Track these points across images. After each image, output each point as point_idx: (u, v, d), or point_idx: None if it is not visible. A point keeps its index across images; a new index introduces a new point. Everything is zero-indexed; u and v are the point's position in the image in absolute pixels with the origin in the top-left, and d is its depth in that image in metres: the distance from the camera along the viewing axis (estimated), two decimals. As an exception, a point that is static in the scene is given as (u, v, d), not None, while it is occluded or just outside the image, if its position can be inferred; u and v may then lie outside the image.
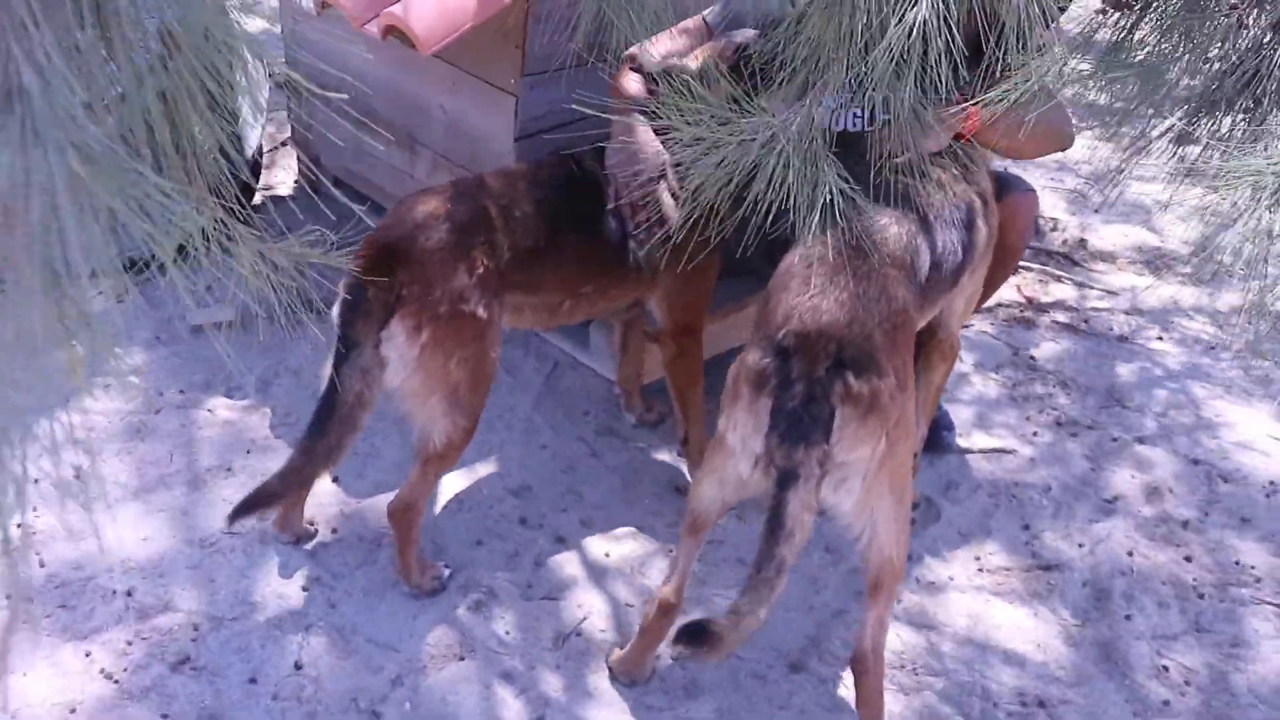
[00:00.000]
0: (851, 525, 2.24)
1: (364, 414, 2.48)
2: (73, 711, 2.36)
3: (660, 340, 2.90)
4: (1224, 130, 2.42)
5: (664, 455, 3.17)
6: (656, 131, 2.56)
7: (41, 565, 2.68)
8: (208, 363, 3.33)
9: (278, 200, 4.18)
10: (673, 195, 2.57)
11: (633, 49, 2.78)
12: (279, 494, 2.49)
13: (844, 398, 2.13)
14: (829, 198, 2.15)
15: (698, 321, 2.89)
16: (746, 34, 2.68)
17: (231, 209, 1.77)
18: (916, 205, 2.50)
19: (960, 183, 2.67)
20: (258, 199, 4.13)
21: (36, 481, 2.86)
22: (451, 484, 2.97)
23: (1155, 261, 4.42)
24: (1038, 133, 2.54)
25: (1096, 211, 4.68)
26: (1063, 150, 2.86)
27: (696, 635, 2.11)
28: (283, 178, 4.30)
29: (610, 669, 2.53)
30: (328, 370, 2.54)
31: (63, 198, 1.09)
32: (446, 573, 2.70)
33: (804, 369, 2.14)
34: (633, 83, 2.76)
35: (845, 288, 2.25)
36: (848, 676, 2.56)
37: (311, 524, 2.80)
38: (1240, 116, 2.16)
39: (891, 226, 2.42)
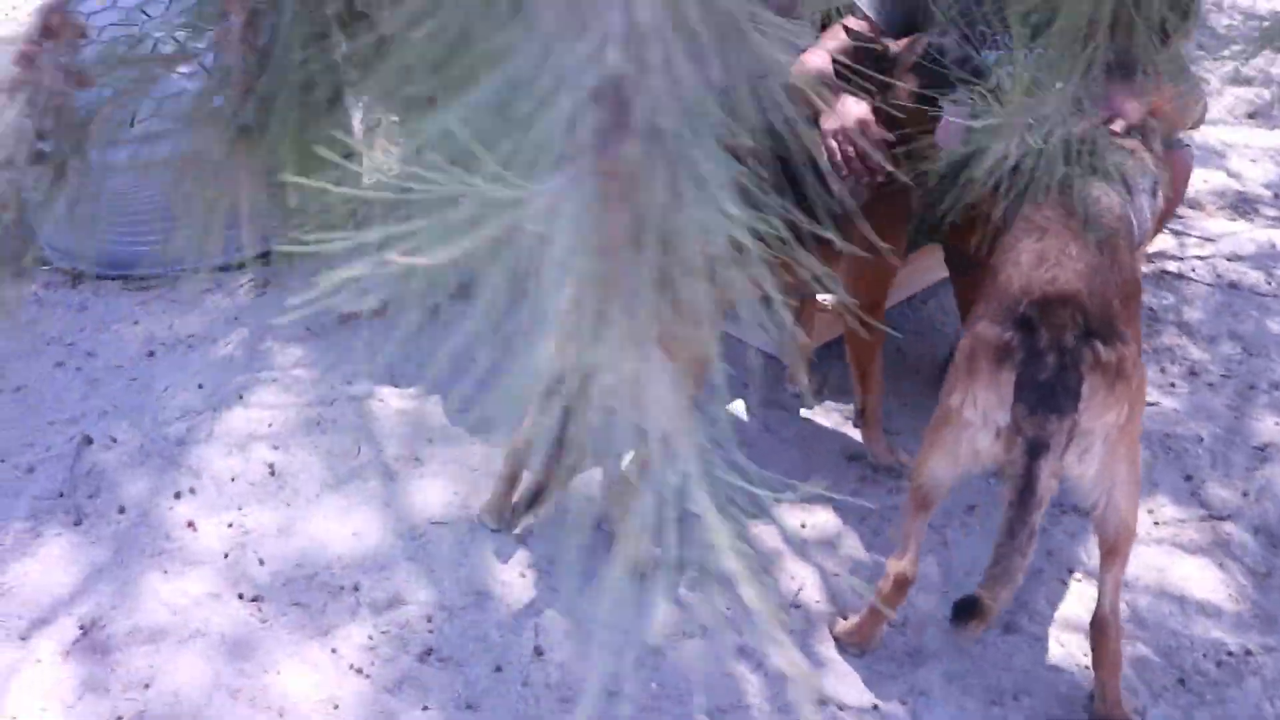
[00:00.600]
0: (1089, 491, 2.32)
1: None
2: (336, 708, 2.43)
3: (844, 315, 2.96)
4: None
5: (828, 424, 3.25)
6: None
7: (261, 564, 2.72)
8: (363, 353, 3.35)
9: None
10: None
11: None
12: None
13: (1093, 366, 2.20)
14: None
15: (883, 296, 2.95)
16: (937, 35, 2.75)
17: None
18: (1119, 173, 2.57)
19: (1141, 149, 2.75)
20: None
21: (233, 480, 2.93)
22: (637, 463, 3.03)
23: (1240, 205, 4.51)
24: (1194, 106, 2.63)
25: (1174, 157, 4.76)
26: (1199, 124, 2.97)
27: (968, 610, 2.19)
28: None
29: (837, 639, 2.62)
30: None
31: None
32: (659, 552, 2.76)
33: (1052, 340, 2.21)
34: (816, 57, 2.80)
35: (1080, 258, 2.32)
36: (1061, 635, 2.67)
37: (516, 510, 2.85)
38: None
39: (1104, 195, 2.49)
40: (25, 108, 1.24)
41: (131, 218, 3.52)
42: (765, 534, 2.89)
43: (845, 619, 2.65)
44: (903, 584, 2.48)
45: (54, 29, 1.23)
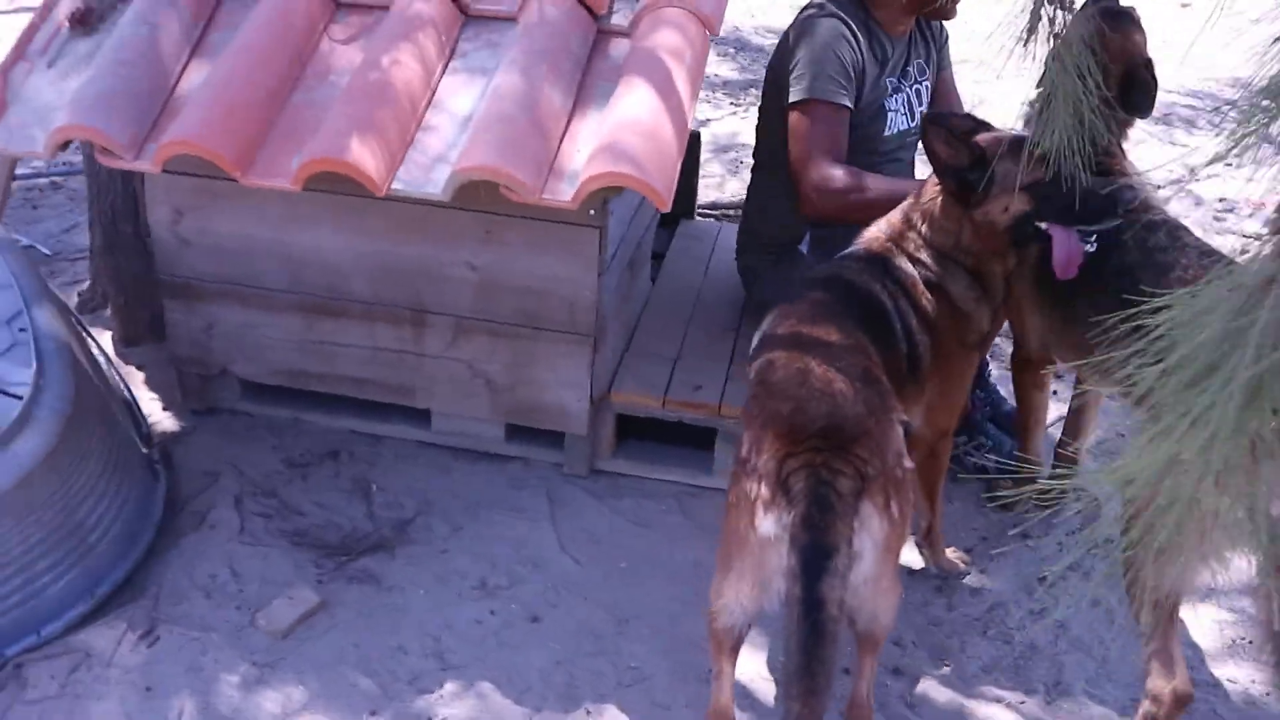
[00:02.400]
0: None
1: (842, 628, 2.16)
2: None
3: (915, 443, 2.80)
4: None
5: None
6: None
7: None
8: (351, 662, 2.60)
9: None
10: None
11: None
12: None
13: None
14: None
15: (954, 423, 2.85)
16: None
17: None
18: None
19: None
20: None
21: None
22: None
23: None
24: None
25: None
26: None
27: None
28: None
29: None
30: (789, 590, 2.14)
31: None
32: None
33: None
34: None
35: None
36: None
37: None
38: None
39: None
40: None
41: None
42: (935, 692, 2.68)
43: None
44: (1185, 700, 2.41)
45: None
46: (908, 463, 2.25)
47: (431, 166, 2.44)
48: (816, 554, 2.07)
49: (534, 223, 2.81)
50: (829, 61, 2.96)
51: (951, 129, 2.60)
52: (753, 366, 2.44)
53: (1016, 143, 2.56)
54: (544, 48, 2.56)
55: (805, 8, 3.14)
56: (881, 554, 2.17)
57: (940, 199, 2.63)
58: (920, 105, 3.30)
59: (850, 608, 2.19)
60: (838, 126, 2.95)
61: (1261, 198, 2.80)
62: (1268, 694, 2.69)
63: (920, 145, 2.97)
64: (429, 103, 2.56)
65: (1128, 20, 2.93)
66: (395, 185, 2.43)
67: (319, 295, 3.03)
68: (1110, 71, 2.82)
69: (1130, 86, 2.85)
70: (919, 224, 2.66)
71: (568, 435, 3.15)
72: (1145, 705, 2.43)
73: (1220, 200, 5.22)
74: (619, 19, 2.72)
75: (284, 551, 2.88)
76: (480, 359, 3.07)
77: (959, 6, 3.17)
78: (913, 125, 3.29)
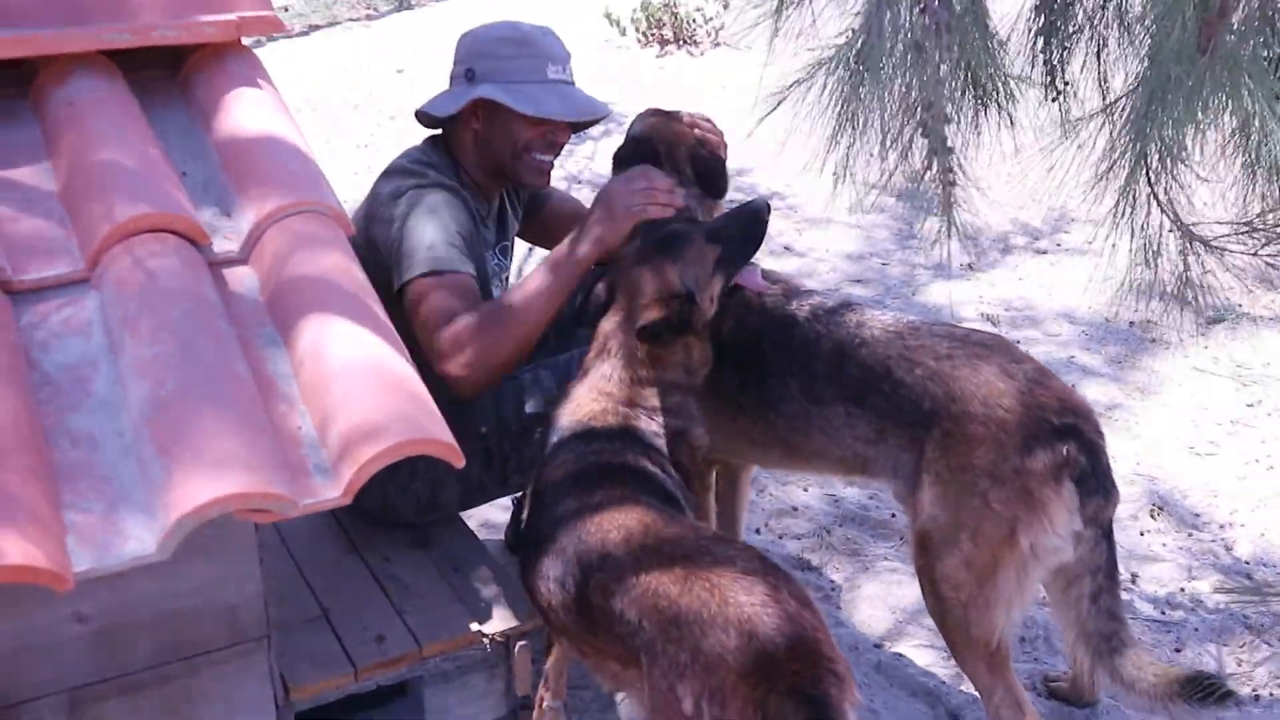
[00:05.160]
0: None
1: None
2: None
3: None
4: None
5: None
6: None
7: None
8: None
9: None
10: None
11: None
12: None
13: None
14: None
15: None
16: None
17: None
18: None
19: None
20: None
21: None
22: None
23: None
24: None
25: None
26: None
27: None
28: None
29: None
30: None
31: None
32: None
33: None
34: None
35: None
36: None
37: None
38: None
39: None
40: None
41: None
42: None
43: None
44: None
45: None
46: None
47: (113, 524, 1.66)
48: None
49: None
50: (446, 231, 2.55)
51: (657, 325, 2.42)
52: (609, 605, 2.05)
53: (679, 240, 2.47)
54: (179, 309, 1.86)
55: (395, 174, 2.70)
56: None
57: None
58: (505, 271, 3.01)
59: None
60: (471, 292, 2.56)
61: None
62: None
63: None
64: (43, 435, 1.75)
65: (671, 114, 2.94)
66: (80, 568, 1.63)
67: None
68: (682, 163, 2.85)
69: (700, 172, 2.87)
70: (642, 372, 2.43)
71: (245, 771, 2.41)
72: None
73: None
74: (225, 244, 2.08)
75: None
76: (113, 731, 2.22)
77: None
78: None
